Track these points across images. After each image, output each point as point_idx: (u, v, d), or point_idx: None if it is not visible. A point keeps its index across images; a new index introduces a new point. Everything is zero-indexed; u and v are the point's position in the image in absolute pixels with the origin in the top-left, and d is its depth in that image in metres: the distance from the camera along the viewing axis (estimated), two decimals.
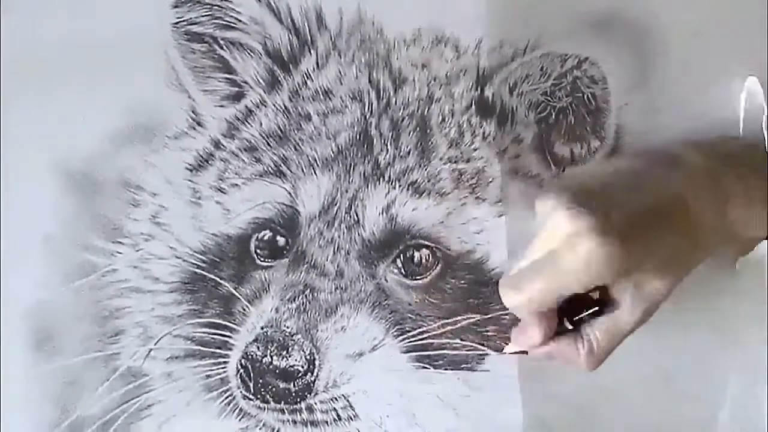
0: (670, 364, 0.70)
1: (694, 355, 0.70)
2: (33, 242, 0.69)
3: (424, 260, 0.68)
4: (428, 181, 0.68)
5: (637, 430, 0.70)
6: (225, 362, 0.68)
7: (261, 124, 0.69)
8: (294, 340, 0.66)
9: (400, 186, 0.68)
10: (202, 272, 0.69)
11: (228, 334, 0.68)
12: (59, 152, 0.69)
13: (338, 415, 0.68)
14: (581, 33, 0.69)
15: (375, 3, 0.69)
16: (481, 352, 0.67)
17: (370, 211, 0.68)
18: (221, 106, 0.70)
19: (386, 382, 0.68)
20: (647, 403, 0.70)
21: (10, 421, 0.69)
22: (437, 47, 0.69)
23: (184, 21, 0.69)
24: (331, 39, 0.69)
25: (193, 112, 0.70)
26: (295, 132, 0.69)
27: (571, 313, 0.62)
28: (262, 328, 0.67)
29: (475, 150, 0.68)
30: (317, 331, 0.67)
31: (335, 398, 0.67)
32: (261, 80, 0.70)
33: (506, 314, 0.66)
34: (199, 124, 0.70)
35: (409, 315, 0.68)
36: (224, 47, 0.69)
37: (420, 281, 0.68)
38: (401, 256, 0.68)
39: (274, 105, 0.69)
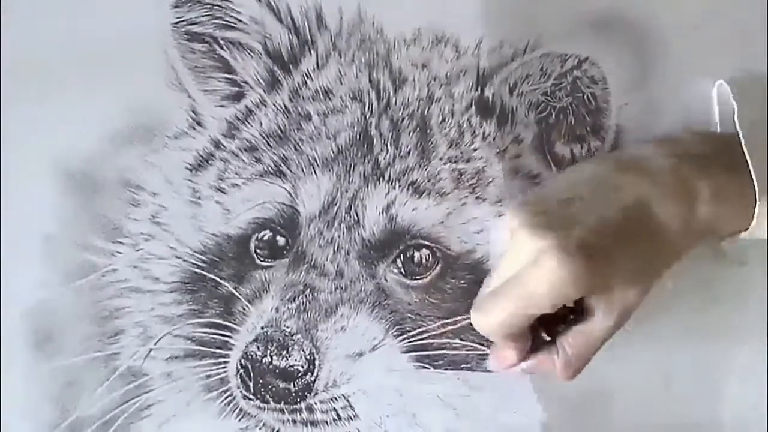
0: (670, 365, 0.70)
1: (694, 356, 0.70)
2: (33, 242, 0.69)
3: (424, 260, 0.68)
4: (428, 181, 0.68)
5: (637, 431, 0.70)
6: (225, 362, 0.68)
7: (261, 124, 0.69)
8: (294, 340, 0.66)
9: (400, 186, 0.68)
10: (202, 272, 0.69)
11: (228, 334, 0.68)
12: (59, 152, 0.69)
13: (338, 415, 0.68)
14: (581, 33, 0.69)
15: (375, 3, 0.69)
16: (481, 352, 0.67)
17: (370, 211, 0.68)
18: (221, 106, 0.70)
19: (386, 382, 0.68)
20: (647, 404, 0.70)
21: (10, 421, 0.69)
22: (437, 47, 0.69)
23: (184, 21, 0.69)
24: (331, 39, 0.69)
25: (193, 111, 0.70)
26: (295, 132, 0.69)
27: (547, 323, 0.62)
28: (262, 328, 0.67)
29: (475, 150, 0.68)
30: (317, 331, 0.67)
31: (335, 398, 0.67)
32: (261, 80, 0.70)
33: None
34: (199, 124, 0.70)
35: (409, 315, 0.68)
36: (224, 47, 0.69)
37: (420, 281, 0.68)
38: (401, 256, 0.68)
39: (274, 105, 0.69)
